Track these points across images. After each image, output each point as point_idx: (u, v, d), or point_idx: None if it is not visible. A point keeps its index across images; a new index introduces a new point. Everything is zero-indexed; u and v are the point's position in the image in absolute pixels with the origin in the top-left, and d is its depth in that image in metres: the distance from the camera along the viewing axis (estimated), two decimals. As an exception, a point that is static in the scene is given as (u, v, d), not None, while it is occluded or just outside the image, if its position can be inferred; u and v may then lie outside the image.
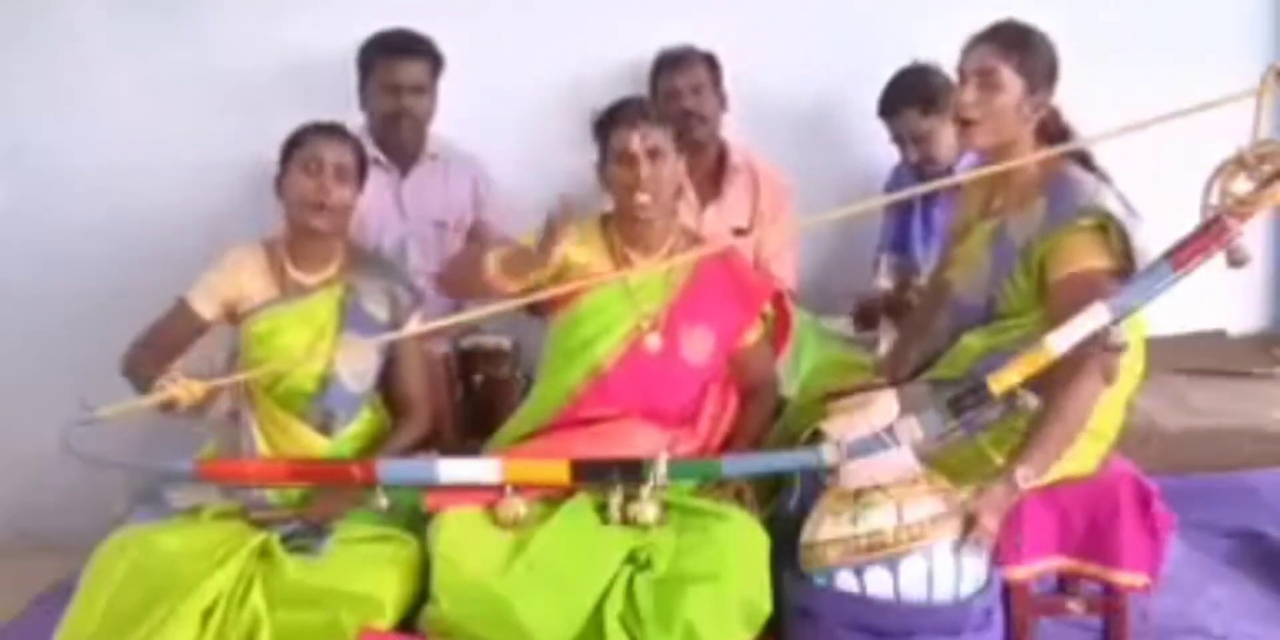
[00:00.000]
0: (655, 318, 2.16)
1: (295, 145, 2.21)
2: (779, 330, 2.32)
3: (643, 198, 2.12)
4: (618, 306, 2.16)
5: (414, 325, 2.24)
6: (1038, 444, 1.85)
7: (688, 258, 2.14)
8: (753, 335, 2.26)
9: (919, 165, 2.83)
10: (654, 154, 2.13)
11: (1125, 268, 1.90)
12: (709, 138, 2.94)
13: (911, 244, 2.96)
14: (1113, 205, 1.92)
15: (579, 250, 2.18)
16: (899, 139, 2.84)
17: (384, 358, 2.26)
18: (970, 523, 1.80)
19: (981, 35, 2.04)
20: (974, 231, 2.14)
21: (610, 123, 2.18)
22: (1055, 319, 1.88)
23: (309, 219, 2.17)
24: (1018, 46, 2.01)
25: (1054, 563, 2.07)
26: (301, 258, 2.23)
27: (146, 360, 2.16)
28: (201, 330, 2.23)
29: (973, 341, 2.04)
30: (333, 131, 2.22)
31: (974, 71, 2.01)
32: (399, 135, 2.80)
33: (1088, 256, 1.91)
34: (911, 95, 2.75)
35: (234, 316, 2.24)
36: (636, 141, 2.12)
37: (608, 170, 2.20)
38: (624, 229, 2.22)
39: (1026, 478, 1.83)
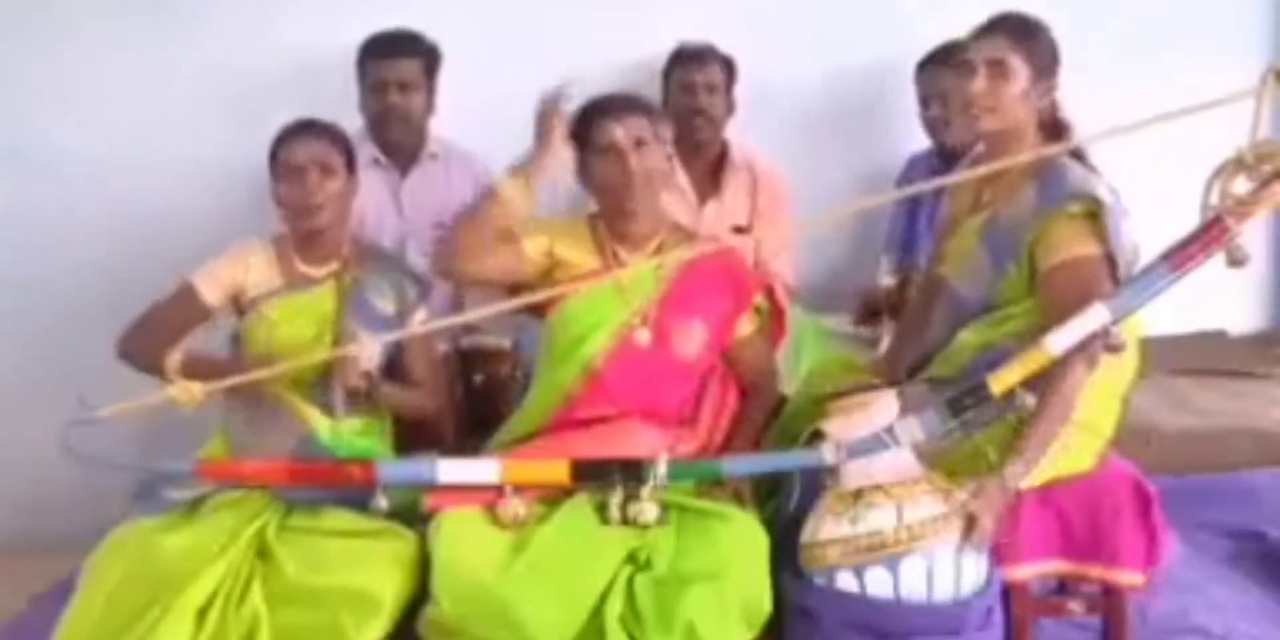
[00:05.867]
0: (645, 313, 2.14)
1: (275, 155, 2.21)
2: (774, 322, 2.30)
3: (637, 195, 2.09)
4: (607, 303, 2.14)
5: (420, 317, 2.28)
6: (1028, 439, 1.86)
7: (682, 254, 2.12)
8: (746, 327, 2.24)
9: (940, 151, 2.78)
10: (640, 143, 2.09)
11: (1115, 255, 1.90)
12: (711, 139, 2.94)
13: (917, 241, 2.95)
14: (1102, 192, 1.93)
15: (569, 250, 2.17)
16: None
17: (388, 350, 2.25)
18: (969, 522, 1.80)
19: (988, 26, 2.05)
20: (965, 225, 2.14)
21: (589, 118, 2.13)
22: (1049, 308, 1.89)
23: (305, 223, 2.20)
24: (1024, 37, 2.02)
25: (1054, 566, 2.06)
26: (308, 252, 2.25)
27: (144, 341, 2.17)
28: (204, 316, 2.23)
29: (969, 337, 2.04)
30: (301, 130, 2.21)
31: (984, 61, 2.01)
32: (392, 134, 2.80)
33: (1079, 243, 1.91)
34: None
35: (237, 305, 2.25)
36: (620, 133, 2.08)
37: (591, 167, 2.14)
38: (612, 226, 2.19)
39: (1018, 474, 1.84)
